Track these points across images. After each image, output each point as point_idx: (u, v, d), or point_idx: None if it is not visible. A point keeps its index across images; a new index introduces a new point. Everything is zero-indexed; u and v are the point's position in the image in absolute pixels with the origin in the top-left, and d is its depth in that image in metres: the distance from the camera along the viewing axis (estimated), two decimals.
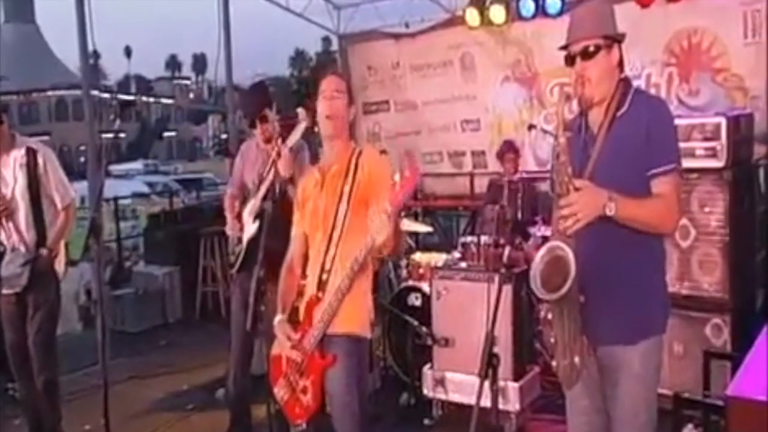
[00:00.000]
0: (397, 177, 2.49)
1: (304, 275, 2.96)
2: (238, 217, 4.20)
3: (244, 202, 4.22)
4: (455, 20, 8.20)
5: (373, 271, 2.92)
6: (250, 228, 4.05)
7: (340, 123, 2.90)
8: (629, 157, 2.38)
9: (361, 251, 2.68)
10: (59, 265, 4.21)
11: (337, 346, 2.81)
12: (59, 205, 4.21)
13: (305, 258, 2.96)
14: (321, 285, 2.83)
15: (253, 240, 3.95)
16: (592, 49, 2.44)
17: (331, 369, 2.79)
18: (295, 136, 3.70)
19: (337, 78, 2.96)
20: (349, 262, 2.74)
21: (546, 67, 7.58)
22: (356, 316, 2.84)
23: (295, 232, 3.03)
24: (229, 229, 4.22)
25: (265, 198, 3.82)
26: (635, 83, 2.56)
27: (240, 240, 4.15)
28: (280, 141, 3.67)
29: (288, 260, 2.99)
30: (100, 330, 4.61)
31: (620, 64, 2.51)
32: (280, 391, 2.98)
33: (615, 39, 2.49)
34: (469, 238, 5.30)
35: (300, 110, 3.55)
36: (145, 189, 19.76)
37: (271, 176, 3.75)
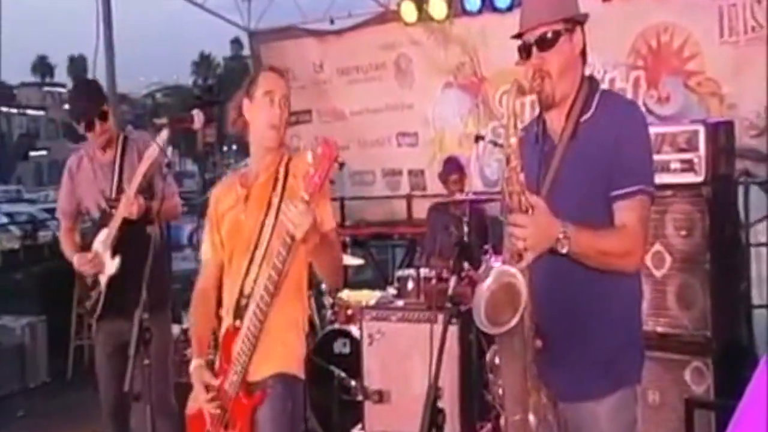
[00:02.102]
0: (309, 157, 2.52)
1: (219, 306, 3.00)
2: (85, 250, 4.06)
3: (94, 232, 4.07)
4: (389, 15, 8.24)
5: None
6: (110, 264, 3.93)
7: (284, 133, 2.94)
8: (594, 172, 2.38)
9: (280, 255, 2.67)
10: None
11: (265, 389, 2.82)
12: None
13: (220, 288, 2.99)
14: (239, 312, 2.84)
15: (116, 278, 3.89)
16: (550, 35, 2.43)
17: (261, 415, 2.79)
18: (143, 167, 3.71)
19: (281, 78, 2.97)
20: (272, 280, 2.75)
21: (495, 71, 7.59)
22: (287, 351, 2.87)
23: (208, 256, 3.05)
24: (82, 266, 4.03)
25: (126, 224, 3.79)
26: None
27: (96, 281, 4.00)
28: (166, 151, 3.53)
29: (199, 291, 3.02)
30: None
31: (584, 53, 2.51)
32: None
33: (577, 22, 2.49)
34: (406, 272, 5.30)
35: (196, 112, 3.46)
36: (3, 219, 18.97)
37: (132, 191, 3.74)
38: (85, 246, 4.09)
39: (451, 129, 8.15)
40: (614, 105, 2.46)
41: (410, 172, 8.51)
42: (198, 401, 2.91)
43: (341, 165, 2.56)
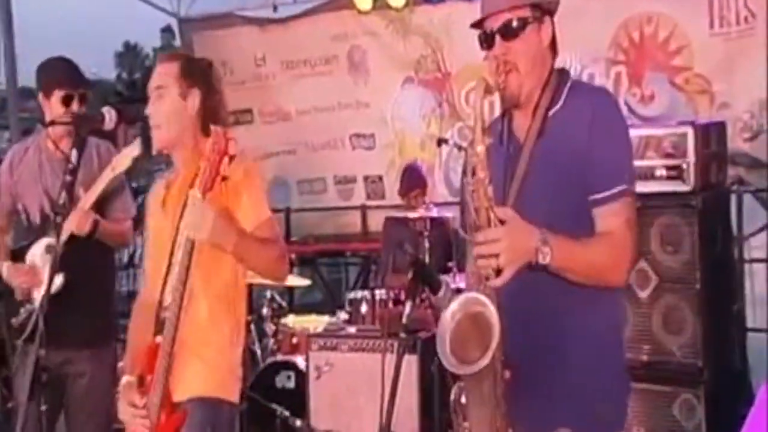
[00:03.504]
0: (207, 147, 2.61)
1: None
2: (16, 259, 3.93)
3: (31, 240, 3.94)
4: (340, 2, 8.21)
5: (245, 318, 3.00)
6: (54, 281, 3.81)
7: (172, 128, 2.93)
8: (567, 173, 2.38)
9: (181, 262, 2.68)
10: None
11: (187, 414, 2.82)
12: None
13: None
14: (159, 326, 2.85)
15: (56, 298, 3.66)
16: (516, 23, 2.42)
17: None
18: (106, 178, 3.61)
19: (166, 63, 2.98)
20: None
21: (461, 66, 7.64)
22: (208, 370, 2.86)
23: (146, 266, 3.13)
24: (14, 279, 3.89)
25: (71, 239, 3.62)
26: None
27: (29, 296, 3.88)
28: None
29: (137, 304, 3.09)
30: None
31: (553, 44, 2.50)
32: None
33: (546, 10, 2.48)
34: (360, 293, 5.32)
35: (107, 110, 3.39)
36: None
37: (87, 204, 3.61)
38: (14, 254, 3.97)
39: (412, 130, 8.17)
40: (583, 94, 2.47)
41: (366, 179, 8.51)
42: (128, 423, 2.90)
43: (232, 157, 2.56)
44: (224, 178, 2.65)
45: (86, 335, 3.76)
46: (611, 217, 2.33)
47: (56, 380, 3.50)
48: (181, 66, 2.97)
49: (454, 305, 2.26)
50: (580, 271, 2.28)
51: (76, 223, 3.57)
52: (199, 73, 2.99)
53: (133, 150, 3.52)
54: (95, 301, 3.67)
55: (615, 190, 2.33)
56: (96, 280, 3.87)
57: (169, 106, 2.92)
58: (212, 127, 2.66)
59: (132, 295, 5.03)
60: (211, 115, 2.95)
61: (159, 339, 2.83)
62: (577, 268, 2.27)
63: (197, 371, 2.85)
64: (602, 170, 2.34)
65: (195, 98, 2.95)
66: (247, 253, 2.79)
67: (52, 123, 3.78)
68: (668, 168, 4.45)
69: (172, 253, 2.87)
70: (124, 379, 2.92)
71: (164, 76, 2.94)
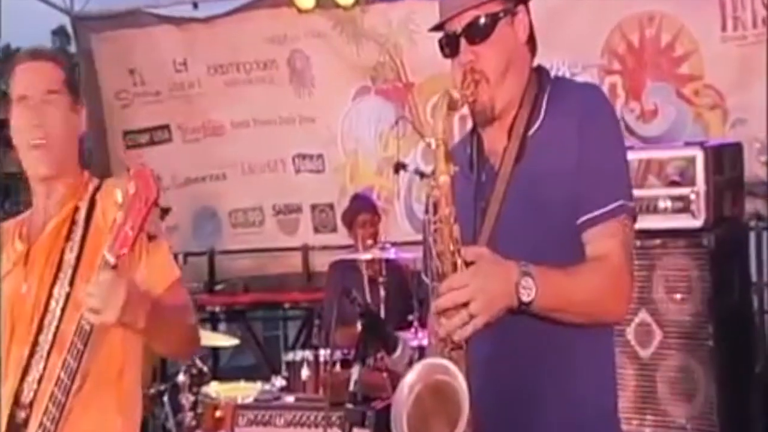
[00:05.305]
0: (119, 196, 2.37)
1: None
2: None
3: None
4: None
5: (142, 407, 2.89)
6: None
7: (66, 148, 2.79)
8: (553, 203, 2.38)
9: (75, 348, 2.49)
10: None
11: None
12: None
13: None
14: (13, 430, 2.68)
15: None
16: (484, 21, 2.41)
17: None
18: None
19: (49, 63, 2.82)
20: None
21: (426, 76, 7.65)
22: None
23: None
24: None
25: None
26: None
27: None
28: None
29: None
30: None
31: (532, 40, 2.50)
32: None
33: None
34: (299, 354, 5.33)
35: None
36: None
37: None
38: None
39: (367, 151, 8.24)
40: (567, 96, 2.47)
41: (314, 208, 8.53)
42: None
43: (166, 211, 2.39)
44: (151, 237, 2.49)
45: None
46: (606, 239, 2.33)
47: None
48: (67, 72, 2.85)
49: (412, 375, 2.24)
50: (572, 307, 2.28)
51: None
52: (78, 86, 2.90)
53: None
54: None
55: (610, 207, 2.33)
56: None
57: (62, 118, 2.76)
58: (136, 165, 2.47)
59: None
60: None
61: None
62: (568, 304, 2.27)
63: None
64: (594, 185, 2.35)
65: (83, 117, 2.85)
66: (160, 328, 2.62)
67: None
68: (673, 199, 4.49)
69: (40, 330, 2.69)
70: None
71: (54, 80, 2.78)
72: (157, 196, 2.41)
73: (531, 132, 2.44)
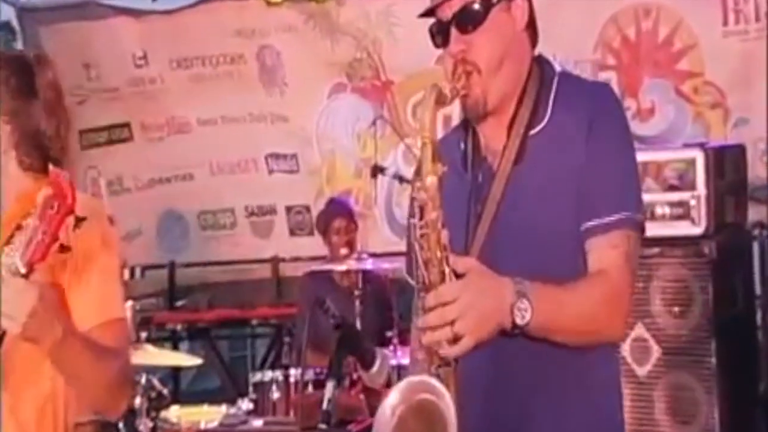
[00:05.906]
0: (40, 198, 2.21)
1: None
2: None
3: None
4: None
5: None
6: None
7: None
8: (557, 208, 2.38)
9: None
10: None
11: None
12: None
13: None
14: None
15: None
16: (477, 7, 2.40)
17: None
18: None
19: None
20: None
21: (406, 74, 7.75)
22: None
23: None
24: None
25: None
26: None
27: None
28: None
29: None
30: None
31: (532, 26, 2.49)
32: None
33: None
34: (269, 374, 5.38)
35: None
36: None
37: None
38: None
39: (344, 152, 8.31)
40: (577, 94, 2.47)
41: (289, 210, 8.62)
42: None
43: (80, 220, 2.23)
44: (64, 249, 2.34)
45: None
46: (607, 250, 2.34)
47: None
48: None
49: (394, 395, 2.24)
50: (570, 327, 2.29)
51: None
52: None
53: None
54: None
55: (614, 218, 2.34)
56: None
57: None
58: (52, 169, 2.34)
59: None
60: (37, 144, 2.67)
61: None
62: (566, 325, 2.28)
63: None
64: (601, 192, 2.36)
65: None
66: (71, 360, 2.41)
67: None
68: (672, 204, 4.51)
69: None
70: None
71: None
72: (73, 204, 2.30)
73: (534, 131, 2.43)
